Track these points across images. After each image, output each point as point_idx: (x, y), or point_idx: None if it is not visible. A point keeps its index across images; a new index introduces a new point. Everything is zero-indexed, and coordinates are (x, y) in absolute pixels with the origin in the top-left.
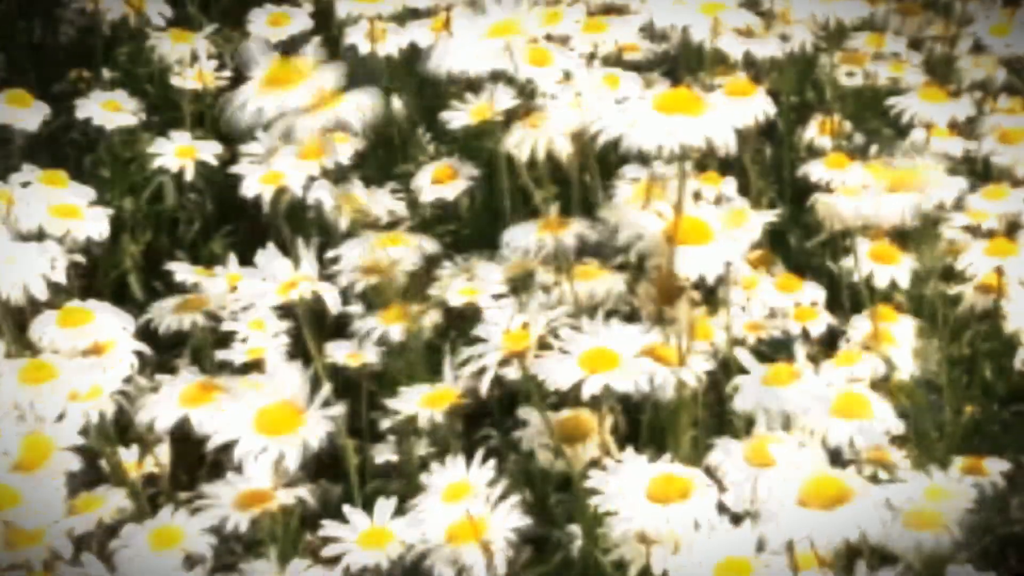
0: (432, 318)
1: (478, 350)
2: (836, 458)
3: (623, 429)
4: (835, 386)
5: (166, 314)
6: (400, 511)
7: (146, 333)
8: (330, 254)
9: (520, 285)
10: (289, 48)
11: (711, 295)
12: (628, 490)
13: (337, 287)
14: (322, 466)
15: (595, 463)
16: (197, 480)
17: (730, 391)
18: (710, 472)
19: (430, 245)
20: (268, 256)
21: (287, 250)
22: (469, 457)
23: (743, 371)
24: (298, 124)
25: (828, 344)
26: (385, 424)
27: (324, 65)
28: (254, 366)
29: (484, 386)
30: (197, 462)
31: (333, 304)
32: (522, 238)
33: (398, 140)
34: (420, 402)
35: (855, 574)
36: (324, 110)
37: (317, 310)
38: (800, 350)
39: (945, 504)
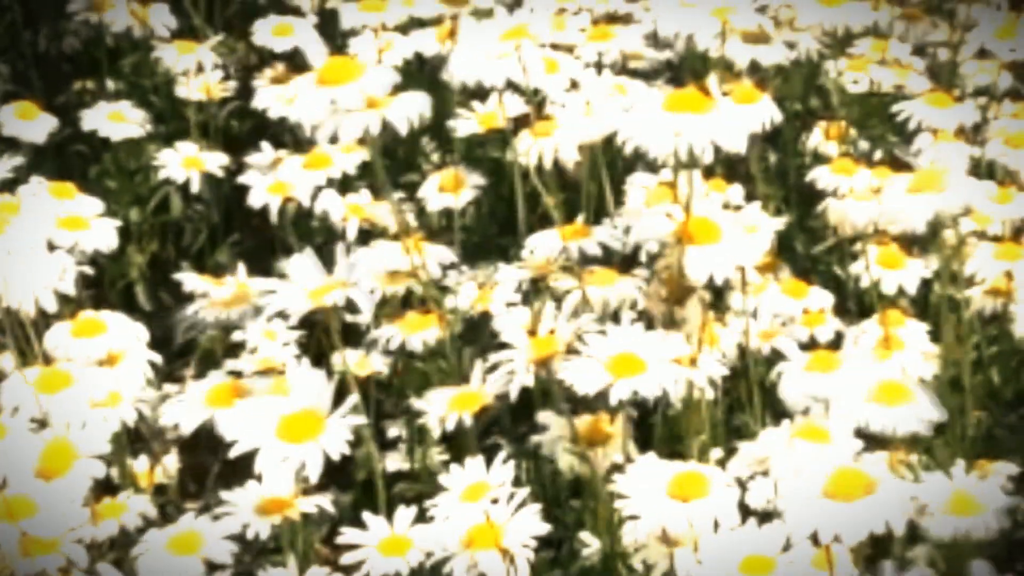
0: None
1: (507, 355)
2: (873, 444)
3: (632, 431)
4: (877, 373)
5: (213, 310)
6: (419, 516)
7: (156, 343)
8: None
9: (539, 291)
10: (293, 59)
11: (719, 299)
12: (649, 489)
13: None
14: (331, 474)
15: (616, 467)
16: (206, 489)
17: (773, 378)
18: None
19: (447, 254)
20: (300, 261)
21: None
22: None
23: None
24: (344, 123)
25: (836, 349)
26: (393, 432)
27: (377, 65)
28: (270, 374)
29: (514, 390)
30: (205, 472)
31: (366, 308)
32: (545, 244)
33: (403, 149)
34: (449, 404)
35: (881, 573)
36: (373, 110)
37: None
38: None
39: (974, 502)
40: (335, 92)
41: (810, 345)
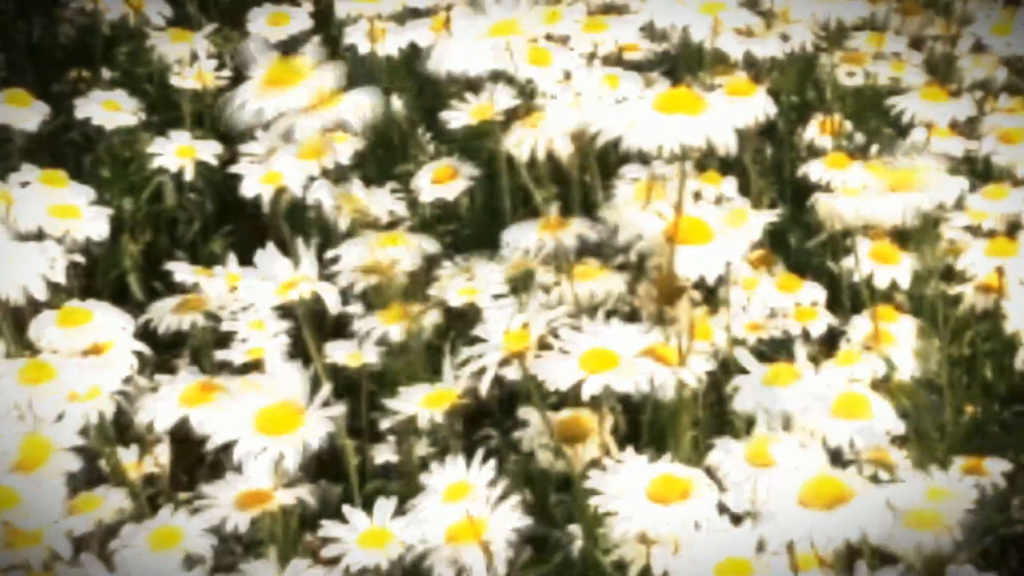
0: (432, 318)
1: (478, 350)
2: (836, 458)
3: (623, 429)
4: (835, 386)
5: (166, 314)
6: (400, 511)
7: (145, 333)
8: (330, 254)
9: (520, 285)
10: (288, 48)
11: (711, 295)
12: (628, 490)
13: (337, 287)
14: (322, 466)
15: (595, 463)
16: (197, 480)
17: (730, 391)
18: (711, 472)
19: (430, 245)
20: (267, 256)
21: (287, 250)
22: (469, 457)
23: (743, 371)
24: (298, 124)
25: (828, 344)
26: (385, 424)
27: (323, 64)
28: (254, 366)
29: (484, 386)
30: (197, 462)
31: (333, 304)
32: (522, 238)
33: (398, 140)
34: (420, 402)
35: (855, 574)
36: (324, 110)
37: (317, 310)
38: (801, 350)
39: (946, 504)
40: (283, 97)
41: (803, 339)
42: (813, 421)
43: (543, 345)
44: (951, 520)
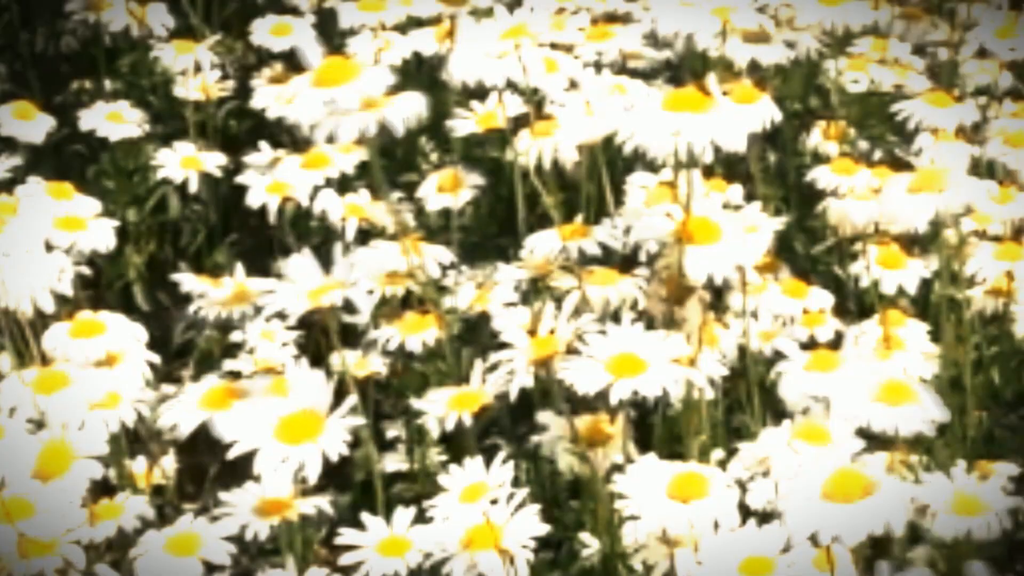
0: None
1: (507, 355)
2: (875, 444)
3: (631, 432)
4: (880, 373)
5: (215, 306)
6: (418, 517)
7: (155, 343)
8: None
9: (540, 291)
10: (291, 58)
11: (719, 299)
12: (649, 490)
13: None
14: (329, 474)
15: (616, 467)
16: (204, 490)
17: (774, 378)
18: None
19: (446, 254)
20: (298, 262)
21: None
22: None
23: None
24: (343, 124)
25: (836, 349)
26: (392, 432)
27: (374, 66)
28: (268, 375)
29: (514, 390)
30: (203, 473)
31: (365, 309)
32: (544, 244)
33: (402, 149)
34: (449, 404)
35: (877, 574)
36: (371, 111)
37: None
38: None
39: (976, 503)
40: (332, 93)
41: (810, 345)
42: (855, 406)
43: (569, 350)
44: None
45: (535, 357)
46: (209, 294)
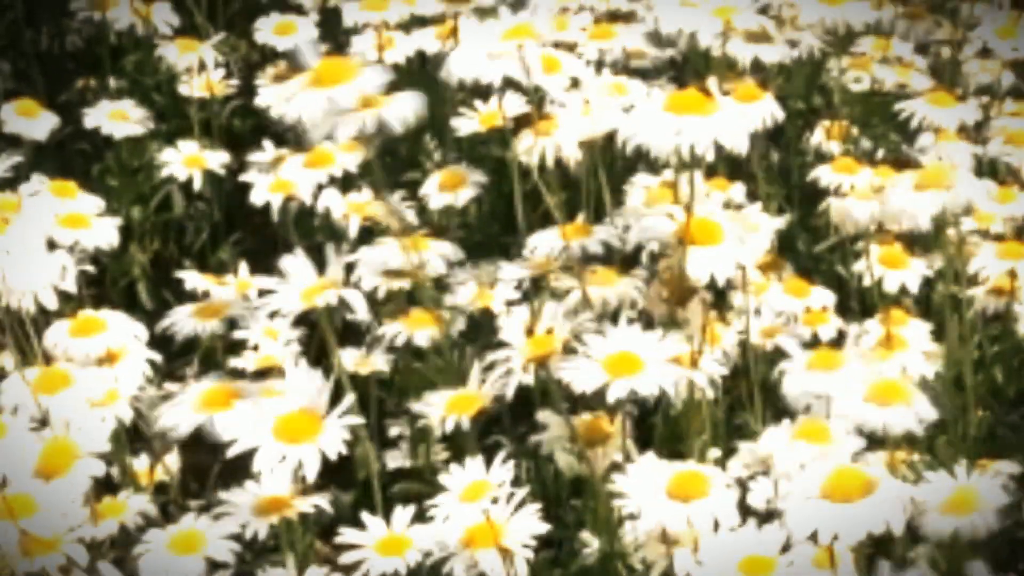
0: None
1: (503, 354)
2: (873, 444)
3: (632, 431)
4: (875, 373)
5: (185, 318)
6: (418, 516)
7: (157, 341)
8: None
9: (541, 290)
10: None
11: (721, 299)
12: (649, 489)
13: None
14: (331, 473)
15: (616, 466)
16: (207, 488)
17: (776, 376)
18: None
19: (453, 251)
20: (293, 261)
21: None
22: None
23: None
24: (340, 123)
25: (838, 348)
26: (395, 431)
27: (371, 66)
28: (267, 374)
29: (510, 390)
30: (206, 470)
31: (361, 308)
32: (546, 244)
33: (405, 148)
34: (446, 406)
35: (878, 573)
36: (368, 110)
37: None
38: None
39: (975, 500)
40: (331, 92)
41: (812, 344)
42: (853, 406)
43: (567, 349)
44: (988, 508)
45: (532, 356)
46: (178, 309)
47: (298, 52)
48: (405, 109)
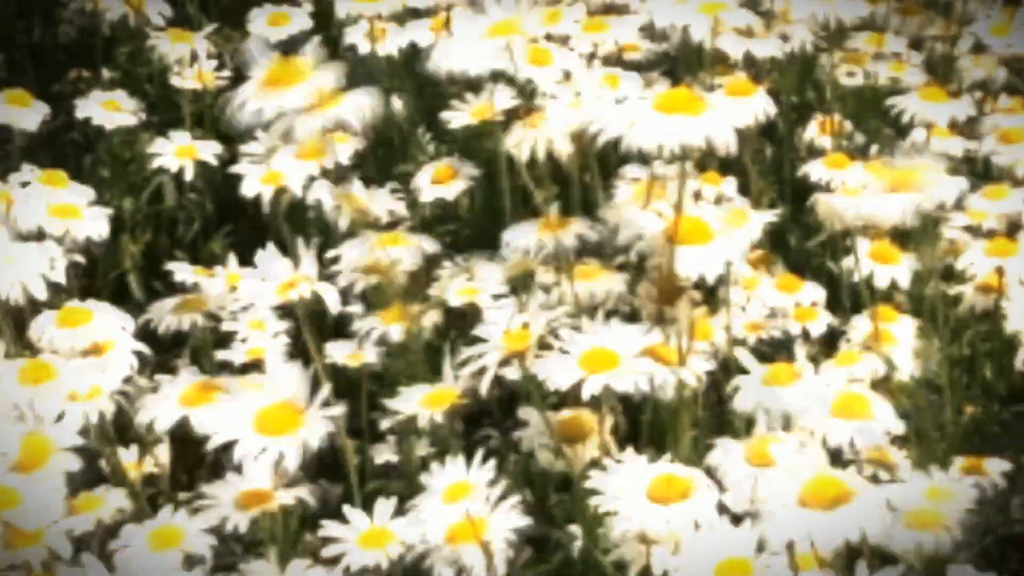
0: (432, 318)
1: (478, 350)
2: (836, 458)
3: (623, 429)
4: (835, 386)
5: (165, 314)
6: (400, 511)
7: (145, 333)
8: (330, 254)
9: (520, 285)
10: (289, 48)
11: (711, 295)
12: (628, 490)
13: (337, 287)
14: (322, 466)
15: (595, 463)
16: (197, 480)
17: (730, 391)
18: (710, 472)
19: (430, 245)
20: (267, 256)
21: (287, 250)
22: (469, 457)
23: (743, 371)
24: (298, 124)
25: (828, 344)
26: (385, 424)
27: (324, 65)
28: (254, 366)
29: (484, 386)
30: (197, 462)
31: (333, 304)
32: (522, 238)
33: (398, 140)
34: (420, 402)
35: (855, 575)
36: (324, 110)
37: (317, 310)
38: (800, 350)
39: (946, 504)
40: (282, 98)
41: (803, 338)
42: (813, 421)
43: (543, 345)
44: (951, 520)
45: (508, 352)
46: (157, 304)
47: (245, 54)
48: (361, 107)
